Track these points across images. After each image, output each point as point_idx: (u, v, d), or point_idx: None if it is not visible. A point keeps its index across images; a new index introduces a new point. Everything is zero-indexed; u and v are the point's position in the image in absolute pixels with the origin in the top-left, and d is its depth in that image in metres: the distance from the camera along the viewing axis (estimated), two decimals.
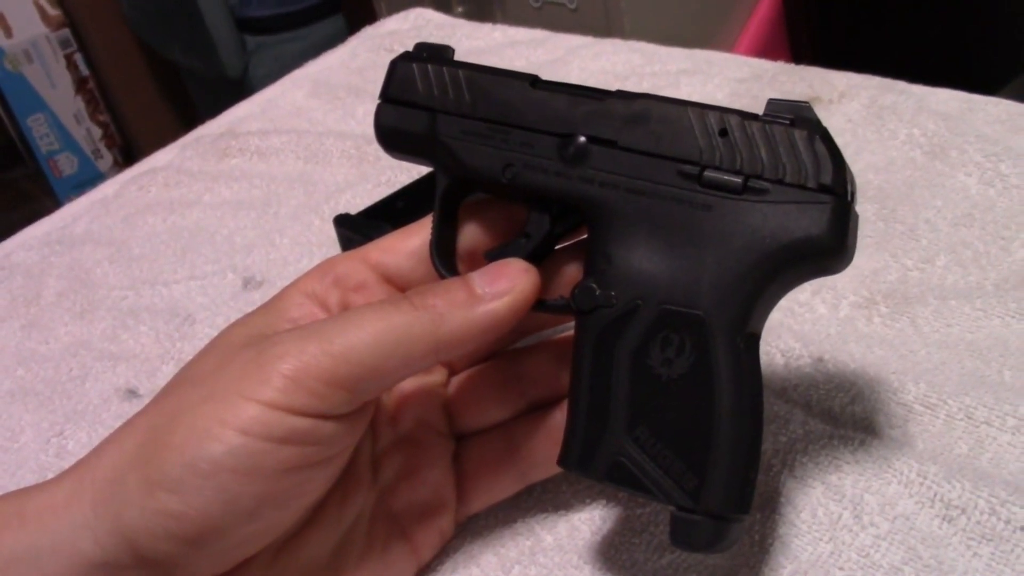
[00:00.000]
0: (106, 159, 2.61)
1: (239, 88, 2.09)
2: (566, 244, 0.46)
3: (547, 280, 0.44)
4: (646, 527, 0.46)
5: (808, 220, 0.39)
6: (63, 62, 2.46)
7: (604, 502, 0.47)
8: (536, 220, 0.44)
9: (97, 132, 2.58)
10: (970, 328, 0.53)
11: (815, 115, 0.40)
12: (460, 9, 1.59)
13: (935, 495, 0.44)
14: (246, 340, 0.42)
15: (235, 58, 2.12)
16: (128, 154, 2.60)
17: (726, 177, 0.40)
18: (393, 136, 0.47)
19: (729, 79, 0.80)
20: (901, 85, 0.74)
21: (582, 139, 0.42)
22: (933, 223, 0.60)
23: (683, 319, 0.40)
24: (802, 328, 0.55)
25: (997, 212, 0.60)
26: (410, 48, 0.48)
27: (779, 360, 0.52)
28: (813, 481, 0.46)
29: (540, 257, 0.44)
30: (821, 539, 0.44)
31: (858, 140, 0.69)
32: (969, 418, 0.47)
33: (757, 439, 0.40)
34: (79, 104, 2.53)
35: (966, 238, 0.59)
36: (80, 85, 2.51)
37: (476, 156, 0.44)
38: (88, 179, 2.54)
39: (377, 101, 0.47)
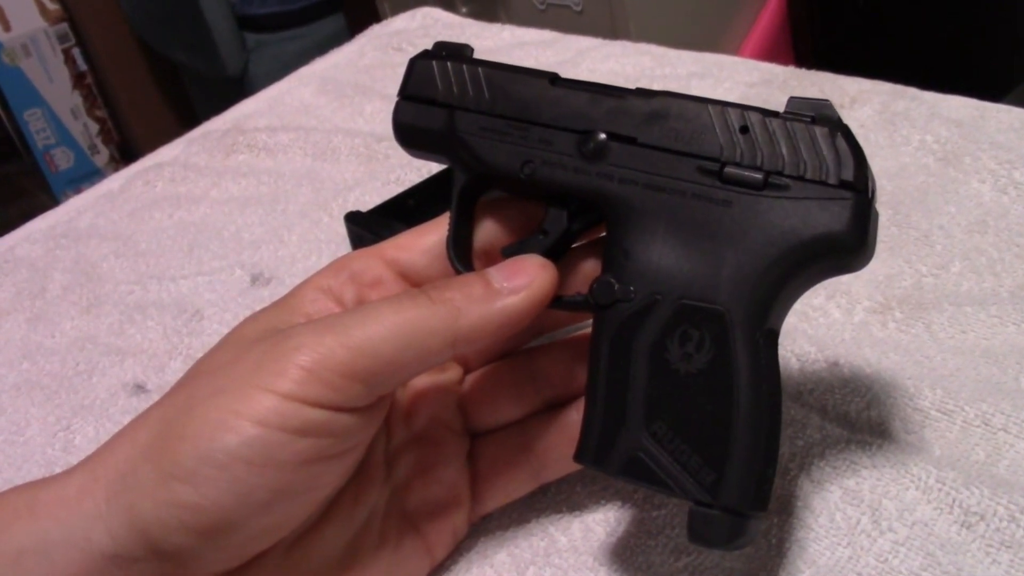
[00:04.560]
0: (103, 154, 2.60)
1: (238, 86, 2.09)
2: (583, 243, 0.46)
3: (564, 277, 0.44)
4: (662, 529, 0.45)
5: (829, 216, 0.39)
6: (61, 57, 2.46)
7: (619, 503, 0.47)
8: (554, 217, 0.44)
9: (94, 127, 2.57)
10: (985, 335, 0.53)
11: (836, 113, 0.40)
12: (464, 9, 1.58)
13: (953, 501, 0.44)
14: (260, 334, 0.41)
15: (235, 56, 2.11)
16: (125, 150, 2.59)
17: (746, 173, 0.40)
18: (411, 133, 0.47)
19: (739, 83, 0.80)
20: (912, 91, 0.74)
21: (602, 136, 0.42)
22: (947, 229, 0.60)
23: (702, 314, 0.39)
24: (817, 332, 0.55)
25: (1011, 219, 0.60)
26: (417, 47, 0.48)
27: (794, 364, 0.52)
28: (831, 485, 0.45)
29: (557, 254, 0.44)
30: (839, 544, 0.43)
31: (870, 146, 0.69)
32: (986, 425, 0.47)
33: (775, 435, 0.40)
34: (76, 99, 2.52)
35: (980, 245, 0.58)
36: (78, 80, 2.50)
37: (495, 153, 0.44)
38: (84, 174, 2.54)
39: (387, 99, 0.47)
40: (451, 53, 0.46)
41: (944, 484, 0.44)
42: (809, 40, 1.69)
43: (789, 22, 1.69)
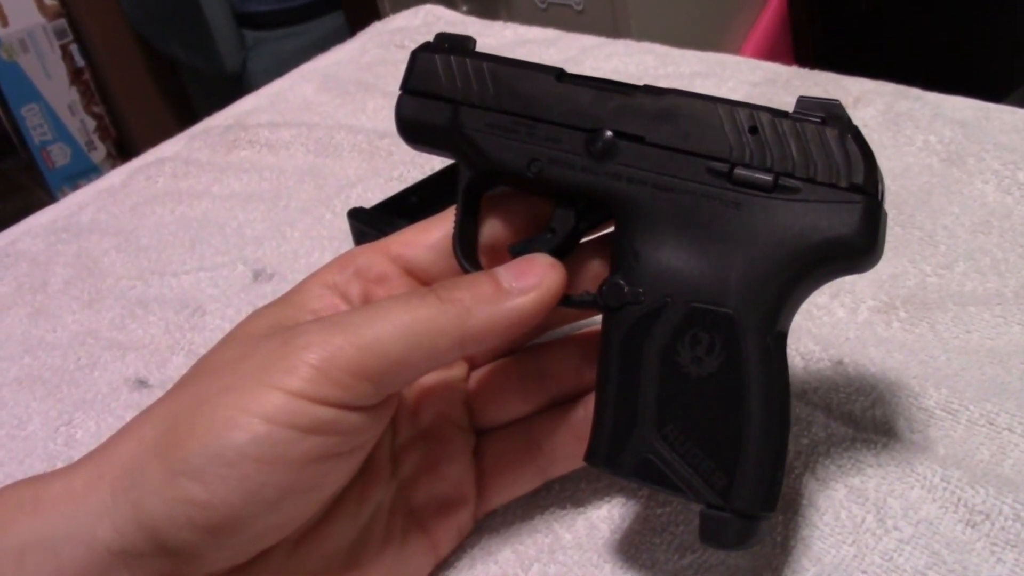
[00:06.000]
0: (100, 151, 2.60)
1: (236, 83, 2.08)
2: (590, 239, 0.46)
3: (572, 275, 0.44)
4: (666, 527, 0.45)
5: (839, 219, 0.39)
6: (58, 52, 2.46)
7: (623, 500, 0.47)
8: (561, 215, 0.44)
9: (91, 123, 2.57)
10: (990, 335, 0.53)
11: (846, 114, 0.40)
12: (465, 8, 1.58)
13: (958, 500, 0.44)
14: (267, 331, 0.41)
15: (234, 53, 2.11)
16: (122, 146, 2.59)
17: (756, 175, 0.40)
18: (414, 128, 0.46)
19: (743, 82, 0.80)
20: (916, 92, 0.74)
21: (609, 134, 0.42)
22: (951, 230, 0.60)
23: (713, 317, 0.39)
24: (821, 331, 0.55)
25: (1015, 219, 0.60)
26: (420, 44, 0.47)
27: (799, 363, 0.52)
28: (836, 484, 0.45)
29: (564, 252, 0.44)
30: (844, 542, 0.43)
31: (874, 146, 0.68)
32: (991, 424, 0.47)
33: (785, 437, 0.40)
34: (74, 95, 2.52)
35: (984, 245, 0.59)
36: (75, 76, 2.50)
37: (501, 150, 0.44)
38: (81, 171, 2.53)
39: (390, 96, 0.47)
40: (454, 46, 0.46)
41: (949, 483, 0.44)
42: (810, 42, 1.69)
43: (790, 23, 1.69)
